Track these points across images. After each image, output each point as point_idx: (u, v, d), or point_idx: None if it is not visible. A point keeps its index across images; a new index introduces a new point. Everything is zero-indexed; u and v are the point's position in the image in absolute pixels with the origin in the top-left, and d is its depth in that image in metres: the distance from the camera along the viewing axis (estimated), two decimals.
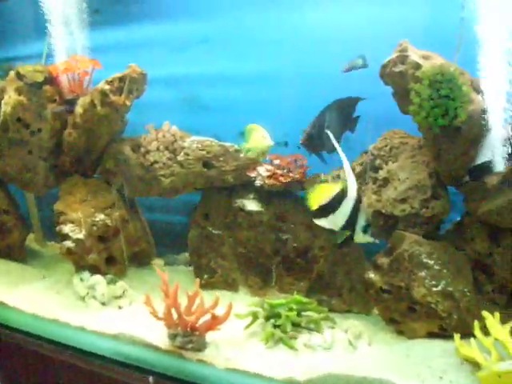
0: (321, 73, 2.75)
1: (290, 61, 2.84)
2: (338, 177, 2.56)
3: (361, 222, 2.20)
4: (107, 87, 2.65)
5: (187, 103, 3.10)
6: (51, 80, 2.88)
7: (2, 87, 2.95)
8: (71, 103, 2.86)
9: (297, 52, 2.82)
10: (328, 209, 2.21)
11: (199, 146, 2.66)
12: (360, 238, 2.21)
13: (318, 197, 2.25)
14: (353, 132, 2.59)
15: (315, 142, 2.44)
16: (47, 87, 2.86)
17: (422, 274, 2.21)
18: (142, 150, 2.69)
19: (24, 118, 2.86)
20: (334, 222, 2.21)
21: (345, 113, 2.50)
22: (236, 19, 2.94)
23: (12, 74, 2.92)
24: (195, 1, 2.98)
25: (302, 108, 2.72)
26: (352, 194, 2.18)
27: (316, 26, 2.77)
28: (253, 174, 2.66)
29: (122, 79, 2.68)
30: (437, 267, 2.22)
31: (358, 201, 2.18)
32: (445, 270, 2.22)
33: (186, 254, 3.18)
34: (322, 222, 2.27)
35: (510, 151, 2.12)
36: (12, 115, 2.83)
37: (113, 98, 2.66)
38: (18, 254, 3.18)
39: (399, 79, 2.33)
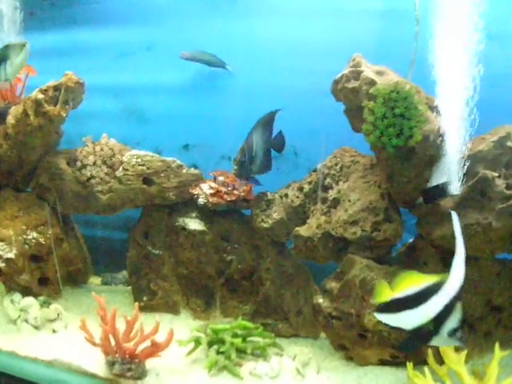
0: (267, 84, 3.06)
1: (235, 71, 3.03)
2: (286, 196, 2.77)
3: (451, 323, 1.92)
4: (41, 96, 2.85)
5: (128, 114, 3.32)
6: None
7: None
8: (2, 112, 2.99)
9: (243, 62, 3.01)
10: (406, 303, 1.97)
11: (139, 160, 2.87)
12: (443, 340, 1.95)
13: (398, 286, 2.01)
14: (280, 152, 2.83)
15: (247, 168, 2.64)
16: None
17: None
18: (78, 164, 2.90)
19: None
20: (408, 320, 1.96)
21: (269, 130, 2.75)
22: (180, 27, 3.15)
23: None
24: (139, 7, 3.18)
25: (248, 120, 2.94)
26: (452, 288, 1.93)
27: (264, 37, 2.98)
28: (195, 192, 2.88)
29: (57, 88, 2.88)
30: None
31: (457, 298, 1.92)
32: None
33: (125, 273, 3.37)
34: (386, 319, 2.03)
35: (464, 173, 2.30)
36: None
37: (47, 108, 2.86)
38: None
39: (352, 96, 2.54)
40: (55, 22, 3.29)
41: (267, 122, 2.78)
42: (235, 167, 2.73)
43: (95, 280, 3.45)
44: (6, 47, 2.74)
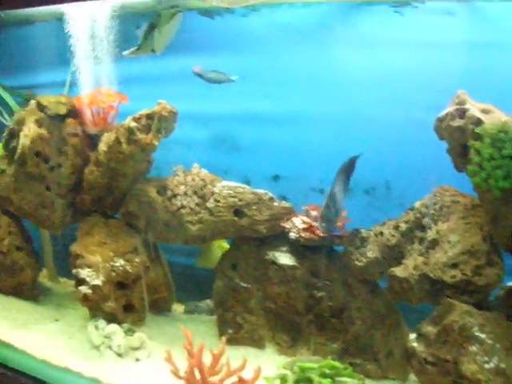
0: (359, 116, 3.30)
1: (327, 102, 3.26)
2: (381, 234, 2.95)
3: None
4: (134, 124, 3.16)
5: (217, 142, 3.56)
6: (74, 113, 3.37)
7: (21, 118, 3.49)
8: (94, 138, 3.31)
9: (334, 92, 3.26)
10: None
11: (231, 192, 3.13)
12: None
13: None
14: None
15: (334, 222, 2.90)
16: (70, 120, 3.40)
17: (474, 348, 2.43)
18: (169, 193, 3.18)
19: (43, 152, 3.41)
20: None
21: (350, 178, 2.96)
22: (273, 56, 3.36)
23: (33, 104, 3.42)
24: (232, 35, 3.43)
25: (339, 152, 3.16)
26: None
27: (357, 66, 3.19)
28: (287, 226, 3.09)
29: (150, 117, 3.18)
30: (489, 341, 2.43)
31: None
32: (497, 345, 2.42)
33: (208, 301, 3.68)
34: None
35: None
36: (31, 149, 3.38)
37: (140, 136, 3.16)
38: (30, 292, 3.78)
39: (457, 135, 2.68)
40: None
41: (348, 169, 2.95)
42: (323, 224, 2.92)
43: (178, 308, 3.72)
44: (158, 16, 3.04)
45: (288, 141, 3.48)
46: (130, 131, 3.26)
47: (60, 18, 3.79)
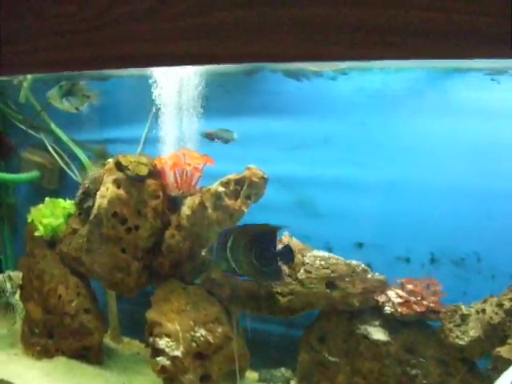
0: (449, 185, 3.16)
1: (415, 170, 3.10)
2: (483, 311, 2.76)
3: None
4: (222, 189, 2.96)
5: (299, 207, 3.37)
6: (155, 174, 3.15)
7: (97, 176, 3.27)
8: (176, 201, 3.11)
9: (424, 162, 3.17)
10: None
11: (323, 263, 2.93)
12: None
13: None
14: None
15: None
16: (150, 181, 3.16)
17: None
18: None
19: (121, 214, 3.19)
20: None
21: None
22: (360, 121, 3.22)
23: (111, 163, 3.21)
24: (318, 99, 3.28)
25: (425, 221, 3.12)
26: None
27: (449, 136, 3.04)
28: (381, 299, 2.88)
29: (239, 182, 2.98)
30: None
31: None
32: None
33: (283, 370, 3.44)
34: None
35: None
36: (108, 210, 3.18)
37: (228, 202, 2.94)
38: (96, 356, 3.55)
39: None
40: (229, 109, 3.41)
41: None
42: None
43: (251, 375, 3.52)
44: None
45: (373, 208, 3.29)
46: (218, 196, 3.07)
47: (139, 76, 3.63)
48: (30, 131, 3.96)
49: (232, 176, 3.12)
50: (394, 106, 3.28)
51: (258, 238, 2.67)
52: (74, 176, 3.88)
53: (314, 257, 3.06)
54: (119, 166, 3.33)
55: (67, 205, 3.61)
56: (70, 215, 3.65)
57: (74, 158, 3.92)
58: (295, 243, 3.12)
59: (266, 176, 3.07)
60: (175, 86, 3.34)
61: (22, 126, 4.01)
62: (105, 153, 3.76)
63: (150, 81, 3.42)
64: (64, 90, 3.11)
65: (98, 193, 3.30)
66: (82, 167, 3.85)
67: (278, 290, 3.06)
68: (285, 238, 3.15)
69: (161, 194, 3.30)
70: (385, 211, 3.36)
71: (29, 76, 3.75)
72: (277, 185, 3.31)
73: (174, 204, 3.33)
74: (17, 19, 1.57)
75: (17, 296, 3.97)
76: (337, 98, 3.38)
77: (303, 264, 3.06)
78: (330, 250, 3.32)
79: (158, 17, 1.33)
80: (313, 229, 3.47)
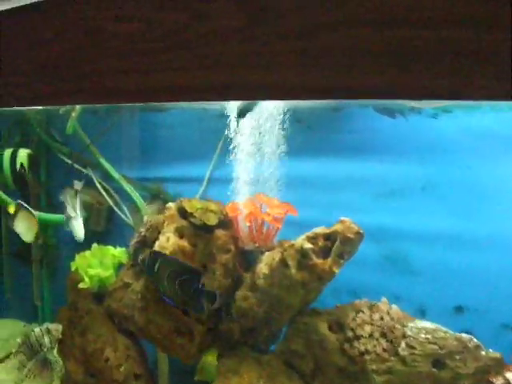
0: None
1: None
2: None
3: None
4: (309, 246, 2.42)
5: (390, 262, 2.83)
6: (226, 223, 2.64)
7: (156, 223, 2.75)
8: (250, 257, 2.58)
9: None
10: None
11: (429, 337, 2.40)
12: None
13: None
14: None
15: None
16: (220, 232, 2.65)
17: None
18: (349, 333, 2.41)
19: None
20: None
21: None
22: (466, 165, 2.72)
23: (173, 208, 2.70)
24: (416, 140, 2.75)
25: None
26: None
27: None
28: (498, 382, 2.31)
29: (329, 237, 2.44)
30: None
31: None
32: None
33: None
34: None
35: None
36: None
37: (316, 261, 2.41)
38: None
39: None
40: (312, 149, 2.89)
41: None
42: None
43: None
44: None
45: (477, 266, 2.74)
46: (303, 254, 2.54)
47: (204, 108, 3.13)
48: (76, 166, 3.44)
49: (320, 230, 2.59)
50: (507, 149, 2.72)
51: (184, 272, 2.56)
52: (125, 218, 3.35)
53: (418, 329, 2.51)
54: (183, 213, 2.82)
55: (118, 253, 3.09)
56: (120, 264, 3.12)
57: (125, 197, 3.39)
58: (395, 311, 2.57)
59: (361, 231, 2.52)
60: (250, 119, 2.82)
61: (68, 161, 3.50)
62: (161, 193, 3.24)
63: (217, 112, 2.91)
64: None
65: (157, 243, 2.79)
66: (134, 208, 3.32)
67: (374, 367, 2.49)
68: (383, 306, 2.59)
69: (232, 247, 2.77)
70: (491, 270, 2.84)
71: (77, 106, 3.24)
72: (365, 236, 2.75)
73: (247, 260, 2.80)
74: None
75: (55, 352, 3.41)
76: (438, 139, 2.85)
77: (404, 337, 2.50)
78: (423, 313, 2.88)
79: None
80: (404, 288, 2.94)
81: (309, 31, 1.12)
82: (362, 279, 2.82)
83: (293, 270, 2.58)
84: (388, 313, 2.55)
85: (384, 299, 2.62)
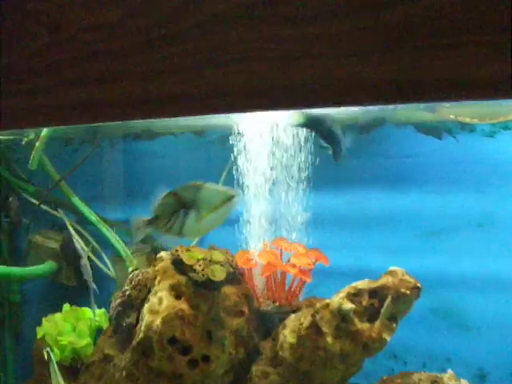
0: None
1: None
2: None
3: None
4: (349, 306, 1.71)
5: (438, 316, 2.21)
6: (236, 278, 1.94)
7: (144, 278, 2.04)
8: (269, 320, 1.88)
9: None
10: None
11: None
12: None
13: None
14: None
15: None
16: (229, 290, 1.94)
17: None
18: None
19: (183, 339, 2.04)
20: None
21: None
22: None
23: (166, 258, 2.01)
24: (466, 162, 2.11)
25: None
26: None
27: None
28: None
29: (375, 294, 1.73)
30: None
31: None
32: None
33: None
34: None
35: None
36: (163, 333, 1.93)
37: (359, 325, 1.70)
38: None
39: None
40: (338, 178, 2.22)
41: None
42: None
43: None
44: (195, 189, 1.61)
45: None
46: (343, 315, 1.83)
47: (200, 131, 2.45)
48: (43, 207, 2.71)
49: (364, 283, 1.92)
50: None
51: None
52: (105, 269, 2.62)
53: None
54: (179, 265, 2.11)
55: (98, 314, 2.35)
56: (99, 330, 2.39)
57: (105, 244, 2.66)
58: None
59: (419, 285, 1.84)
60: (258, 141, 2.15)
61: (33, 200, 2.77)
62: (151, 238, 2.53)
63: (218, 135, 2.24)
64: None
65: (146, 305, 2.11)
66: (116, 258, 2.60)
67: None
68: (449, 380, 1.89)
69: (246, 309, 2.06)
70: None
71: (44, 132, 2.53)
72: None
73: (265, 325, 2.09)
74: None
75: None
76: (497, 163, 2.18)
77: None
78: (483, 377, 2.26)
79: None
80: (458, 348, 2.24)
81: None
82: (405, 338, 2.12)
83: (329, 339, 1.88)
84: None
85: (450, 372, 1.92)
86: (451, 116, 2.07)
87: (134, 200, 2.70)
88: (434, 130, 2.27)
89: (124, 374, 2.15)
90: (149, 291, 2.19)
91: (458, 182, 2.28)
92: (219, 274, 2.06)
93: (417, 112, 2.22)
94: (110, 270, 2.70)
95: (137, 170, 2.72)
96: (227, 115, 1.70)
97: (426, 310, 2.32)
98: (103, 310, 2.42)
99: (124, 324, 2.21)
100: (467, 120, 2.09)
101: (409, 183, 2.33)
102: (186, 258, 2.11)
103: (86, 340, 2.32)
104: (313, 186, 2.19)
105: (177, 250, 2.15)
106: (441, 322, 2.33)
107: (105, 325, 2.37)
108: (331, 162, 2.06)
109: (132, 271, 2.40)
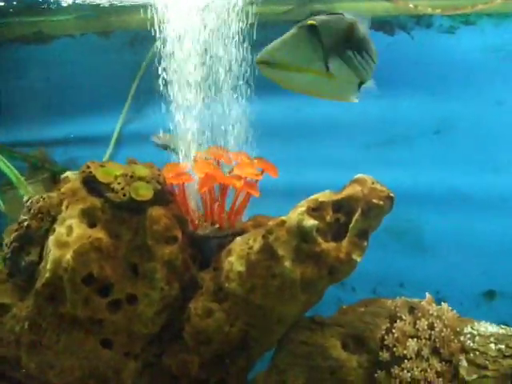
0: None
1: None
2: None
3: None
4: (311, 222, 1.34)
5: (392, 237, 1.87)
6: (165, 196, 1.47)
7: (45, 205, 1.53)
8: (207, 246, 1.45)
9: None
10: None
11: (502, 347, 1.39)
12: None
13: None
14: None
15: None
16: (157, 211, 1.46)
17: None
18: (384, 354, 1.37)
19: (101, 276, 1.57)
20: None
21: None
22: (496, 99, 1.81)
23: (73, 178, 1.50)
24: (423, 62, 1.77)
25: None
26: None
27: None
28: None
29: (340, 207, 1.35)
30: None
31: None
32: None
33: None
34: None
35: None
36: (74, 270, 1.54)
37: (323, 245, 1.33)
38: None
39: None
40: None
41: None
42: None
43: None
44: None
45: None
46: (304, 235, 1.42)
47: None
48: None
49: (325, 195, 1.53)
50: None
51: None
52: None
53: (482, 336, 1.50)
54: (92, 185, 1.58)
55: None
56: None
57: None
58: (452, 315, 1.54)
59: (392, 194, 1.47)
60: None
61: None
62: (46, 161, 1.95)
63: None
64: None
65: (52, 237, 1.60)
66: (7, 187, 2.01)
67: None
68: (427, 305, 1.55)
69: (179, 234, 1.58)
70: None
71: None
72: None
73: (203, 252, 1.63)
74: None
75: None
76: (456, 63, 1.84)
77: (465, 351, 1.48)
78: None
79: None
80: (415, 270, 1.91)
81: None
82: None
83: (287, 263, 1.47)
84: (438, 316, 1.51)
85: (429, 296, 1.59)
86: (410, 5, 1.68)
87: (25, 118, 2.10)
88: (386, 24, 1.86)
89: (26, 325, 1.62)
90: (53, 220, 1.66)
91: (411, 85, 1.92)
92: (144, 192, 1.56)
93: (366, 2, 1.80)
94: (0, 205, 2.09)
95: (28, 82, 2.10)
96: None
97: (379, 230, 1.96)
98: None
99: (23, 263, 1.65)
100: (429, 10, 1.71)
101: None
102: (100, 175, 1.59)
103: None
104: (249, 90, 1.73)
105: (88, 167, 1.62)
106: (394, 244, 1.99)
107: None
108: None
109: (29, 199, 1.83)
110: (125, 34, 2.03)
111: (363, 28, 1.21)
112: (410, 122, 1.94)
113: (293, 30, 1.14)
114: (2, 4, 1.80)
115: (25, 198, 1.87)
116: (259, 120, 1.80)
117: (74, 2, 1.81)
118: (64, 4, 1.88)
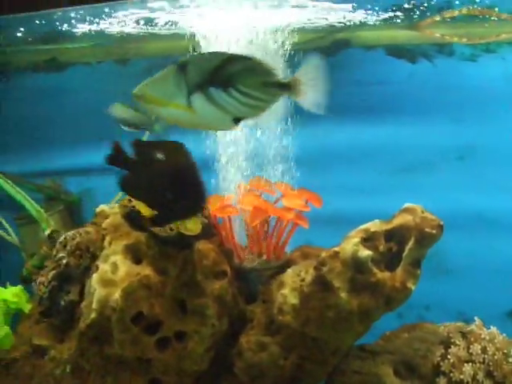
0: None
1: None
2: None
3: None
4: (366, 253, 1.33)
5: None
6: (209, 228, 1.45)
7: (82, 240, 1.50)
8: (253, 279, 1.43)
9: None
10: None
11: None
12: None
13: None
14: None
15: None
16: (205, 245, 1.43)
17: None
18: (442, 380, 1.35)
19: (150, 314, 1.50)
20: None
21: None
22: None
23: (112, 212, 1.48)
24: (444, 89, 1.79)
25: None
26: None
27: None
28: None
29: (391, 235, 1.35)
30: None
31: None
32: None
33: None
34: None
35: None
36: (123, 309, 1.46)
37: (379, 274, 1.33)
38: None
39: None
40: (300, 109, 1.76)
41: None
42: None
43: None
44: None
45: None
46: (359, 266, 1.41)
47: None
48: None
49: (376, 225, 1.52)
50: None
51: None
52: (8, 237, 1.90)
53: None
54: (135, 220, 1.52)
55: (11, 295, 1.66)
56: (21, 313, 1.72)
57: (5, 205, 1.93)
58: (494, 335, 1.55)
59: (442, 223, 1.46)
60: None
61: None
62: (62, 191, 1.86)
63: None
64: None
65: (95, 275, 1.51)
66: (21, 221, 1.89)
67: None
68: (479, 329, 1.55)
69: (227, 267, 1.53)
70: None
71: None
72: None
73: (248, 284, 1.58)
74: None
75: None
76: (478, 90, 1.86)
77: None
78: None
79: None
80: (438, 292, 1.92)
81: None
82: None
83: (343, 295, 1.43)
84: (490, 340, 1.51)
85: (478, 320, 1.59)
86: (437, 35, 1.69)
87: (37, 148, 1.99)
88: (408, 52, 1.87)
89: (68, 368, 1.51)
90: (93, 257, 1.56)
91: (434, 112, 1.92)
92: (193, 226, 1.50)
93: (389, 31, 1.80)
94: (13, 237, 1.97)
95: (41, 111, 1.99)
96: None
97: None
98: (19, 287, 1.72)
99: (62, 303, 1.55)
100: (455, 40, 1.73)
101: (380, 114, 1.92)
102: (143, 209, 1.51)
103: (4, 329, 1.62)
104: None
105: (130, 201, 1.54)
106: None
107: (26, 307, 1.67)
108: None
109: (52, 233, 1.73)
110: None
111: (312, 64, 1.19)
112: (433, 149, 1.95)
113: (167, 67, 1.17)
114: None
115: (47, 232, 1.77)
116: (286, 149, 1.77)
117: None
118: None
